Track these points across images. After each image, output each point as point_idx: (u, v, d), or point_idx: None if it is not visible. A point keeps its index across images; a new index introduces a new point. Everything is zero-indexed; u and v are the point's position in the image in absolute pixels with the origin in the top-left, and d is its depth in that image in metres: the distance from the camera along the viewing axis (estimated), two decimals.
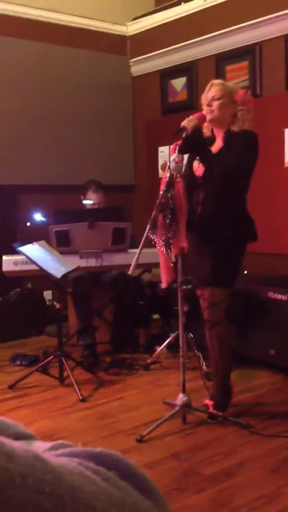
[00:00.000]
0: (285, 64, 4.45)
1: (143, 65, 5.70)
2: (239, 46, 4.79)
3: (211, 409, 3.09)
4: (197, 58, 5.17)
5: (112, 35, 5.71)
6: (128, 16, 5.74)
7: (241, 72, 4.77)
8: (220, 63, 4.95)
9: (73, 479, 0.42)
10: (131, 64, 5.80)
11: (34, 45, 5.16)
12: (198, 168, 3.01)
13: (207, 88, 3.07)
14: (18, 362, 4.18)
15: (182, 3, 5.23)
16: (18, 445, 0.42)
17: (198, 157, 2.98)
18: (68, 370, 3.56)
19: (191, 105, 5.01)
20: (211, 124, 3.04)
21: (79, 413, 3.27)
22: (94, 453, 0.47)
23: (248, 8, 4.64)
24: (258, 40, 4.65)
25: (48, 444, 0.50)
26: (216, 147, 3.02)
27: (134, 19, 5.72)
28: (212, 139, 3.06)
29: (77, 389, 3.46)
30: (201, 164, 2.98)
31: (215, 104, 2.97)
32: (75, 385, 3.48)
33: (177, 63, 5.36)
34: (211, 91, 3.01)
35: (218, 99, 2.97)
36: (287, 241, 4.45)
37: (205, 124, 3.02)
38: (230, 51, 4.86)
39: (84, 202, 4.46)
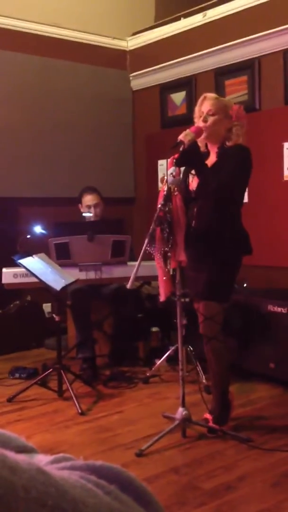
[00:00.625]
0: (283, 78, 4.49)
1: (143, 79, 5.75)
2: (238, 61, 4.83)
3: (210, 423, 3.07)
4: (196, 72, 5.22)
5: (112, 49, 5.77)
6: (128, 31, 5.80)
7: (240, 86, 4.82)
8: (219, 77, 4.99)
9: (75, 492, 0.42)
10: (131, 78, 5.84)
11: (35, 60, 5.21)
12: (191, 182, 3.02)
13: (199, 101, 3.08)
14: (17, 375, 4.16)
15: (182, 19, 5.29)
16: (21, 458, 0.42)
17: (193, 171, 2.99)
18: (67, 383, 3.55)
19: (191, 119, 4.98)
20: (206, 139, 3.05)
21: (78, 427, 3.26)
22: (95, 466, 0.47)
23: (247, 23, 4.69)
24: (257, 55, 4.69)
25: (50, 457, 0.51)
26: (210, 162, 3.02)
27: (134, 34, 5.78)
28: (206, 154, 3.08)
29: (76, 403, 3.44)
30: (195, 178, 2.99)
31: (211, 119, 2.98)
32: (74, 398, 3.46)
33: (176, 78, 5.40)
34: (205, 105, 3.02)
35: (213, 114, 2.98)
36: (286, 254, 4.46)
37: (199, 138, 3.02)
38: (229, 66, 4.91)
39: (84, 214, 4.47)
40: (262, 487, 2.49)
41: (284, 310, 3.71)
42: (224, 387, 3.13)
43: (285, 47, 4.48)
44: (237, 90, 4.82)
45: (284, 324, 3.69)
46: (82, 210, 4.49)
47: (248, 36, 4.69)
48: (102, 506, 0.43)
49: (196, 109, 3.09)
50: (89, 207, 4.44)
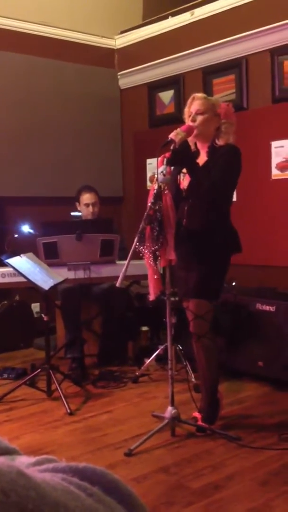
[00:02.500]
0: (271, 77, 4.50)
1: (131, 78, 5.74)
2: (226, 59, 4.84)
3: (200, 422, 3.07)
4: (184, 71, 5.21)
5: (100, 48, 5.75)
6: (116, 29, 5.78)
7: (227, 85, 4.82)
8: (207, 76, 4.99)
9: (56, 495, 0.41)
10: (119, 77, 5.83)
11: (22, 58, 5.17)
12: (182, 181, 3.02)
13: (189, 102, 3.08)
14: (5, 375, 4.14)
15: (170, 17, 5.28)
16: (1, 460, 0.41)
17: (183, 170, 2.98)
18: (56, 383, 3.53)
19: (179, 117, 5.02)
20: (195, 138, 3.05)
21: (67, 427, 3.24)
22: (78, 468, 0.47)
23: (234, 22, 4.70)
24: (245, 54, 4.70)
25: (32, 459, 0.50)
26: (200, 161, 3.02)
27: (122, 32, 5.77)
28: (196, 153, 3.07)
29: (65, 403, 3.43)
30: (185, 177, 2.99)
31: (199, 119, 2.98)
32: (63, 398, 3.45)
33: (164, 76, 5.39)
34: (194, 105, 3.02)
35: (201, 113, 2.98)
36: (274, 253, 4.47)
37: (189, 138, 3.01)
38: (217, 65, 4.91)
39: (73, 214, 4.46)
40: (251, 486, 2.49)
41: (272, 309, 3.72)
42: (214, 385, 3.13)
43: (273, 46, 4.49)
44: (225, 89, 4.83)
45: (273, 322, 3.70)
46: (79, 208, 4.48)
47: (235, 35, 4.69)
48: (84, 509, 0.42)
49: (186, 109, 3.10)
50: (87, 205, 4.44)
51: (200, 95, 3.11)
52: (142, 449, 2.85)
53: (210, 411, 3.11)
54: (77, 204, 4.51)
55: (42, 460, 0.49)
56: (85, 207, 4.45)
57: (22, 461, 0.48)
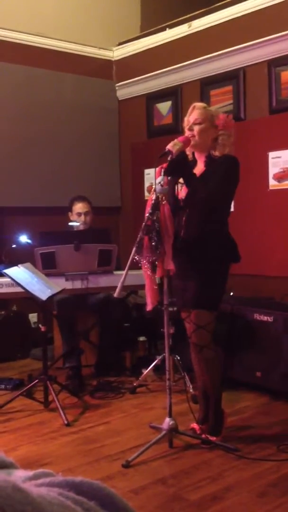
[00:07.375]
0: (268, 88, 4.52)
1: (129, 89, 5.77)
2: (223, 71, 4.87)
3: (204, 435, 3.04)
4: (182, 82, 5.24)
5: (98, 59, 5.78)
6: (114, 41, 5.82)
7: (225, 96, 4.85)
8: (204, 87, 5.02)
9: (53, 510, 0.41)
10: (117, 88, 5.86)
11: (21, 69, 5.20)
12: (180, 191, 3.03)
13: (189, 111, 3.09)
14: (2, 386, 4.12)
15: (167, 29, 5.32)
16: None
17: (181, 180, 2.99)
18: (53, 394, 3.52)
19: (176, 128, 5.06)
20: (192, 148, 3.06)
21: (64, 438, 3.22)
22: (75, 482, 0.46)
23: (232, 34, 4.73)
24: (242, 65, 4.73)
25: (30, 473, 0.49)
26: (197, 171, 3.02)
27: (120, 44, 5.80)
28: (193, 163, 3.08)
29: (62, 414, 3.41)
30: (183, 187, 2.99)
31: (196, 129, 2.99)
32: (60, 409, 3.43)
33: (162, 88, 5.42)
34: (193, 114, 3.04)
35: (199, 123, 2.99)
36: (272, 263, 4.48)
37: (187, 148, 3.03)
38: (215, 76, 4.94)
39: (70, 224, 4.46)
40: (249, 498, 2.48)
41: (270, 319, 3.71)
42: (217, 397, 3.11)
43: (270, 58, 4.52)
44: (222, 100, 4.85)
45: (270, 332, 3.70)
46: (72, 218, 4.49)
47: (233, 46, 4.72)
48: None
49: (186, 118, 3.11)
50: (79, 214, 4.45)
51: (200, 104, 3.12)
52: (139, 460, 2.83)
53: (215, 423, 3.09)
54: (69, 213, 4.52)
55: (39, 474, 0.49)
56: (77, 216, 4.46)
57: (19, 475, 0.48)
